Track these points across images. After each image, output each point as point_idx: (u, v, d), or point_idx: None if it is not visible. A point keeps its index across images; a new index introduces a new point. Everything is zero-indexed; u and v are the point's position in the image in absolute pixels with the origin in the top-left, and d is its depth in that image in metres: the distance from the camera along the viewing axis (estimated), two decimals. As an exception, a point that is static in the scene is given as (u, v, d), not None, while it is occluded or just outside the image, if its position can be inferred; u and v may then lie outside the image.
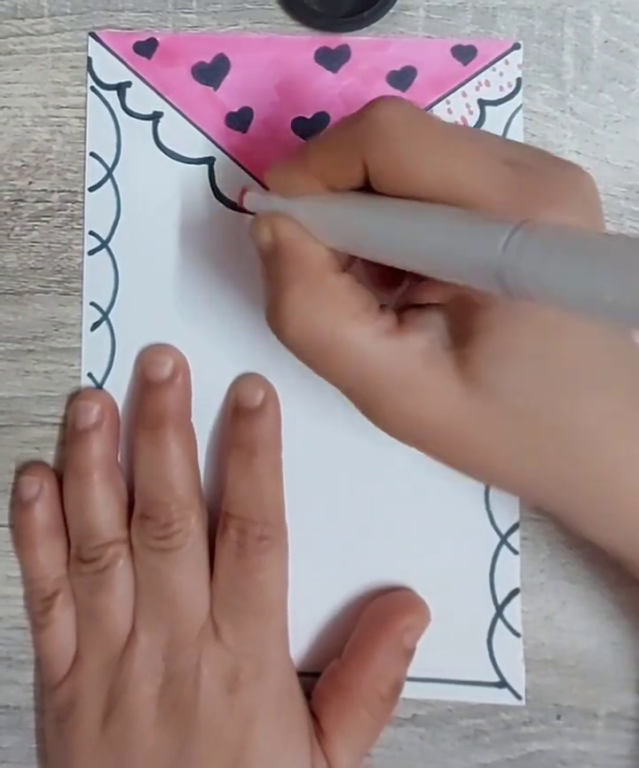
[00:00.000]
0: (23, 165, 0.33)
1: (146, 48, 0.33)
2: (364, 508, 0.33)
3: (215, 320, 0.33)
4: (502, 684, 0.32)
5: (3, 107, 0.33)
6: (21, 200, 0.33)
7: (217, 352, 0.33)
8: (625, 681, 0.32)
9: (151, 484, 0.32)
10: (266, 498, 0.32)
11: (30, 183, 0.33)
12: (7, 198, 0.33)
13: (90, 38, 0.33)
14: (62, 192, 0.33)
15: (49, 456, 0.34)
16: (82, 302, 0.33)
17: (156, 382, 0.32)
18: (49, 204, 0.33)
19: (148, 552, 0.31)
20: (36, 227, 0.33)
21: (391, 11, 0.32)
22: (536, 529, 0.32)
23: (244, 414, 0.32)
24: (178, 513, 0.31)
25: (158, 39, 0.33)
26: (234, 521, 0.31)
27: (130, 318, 0.33)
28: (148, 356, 0.33)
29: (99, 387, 0.33)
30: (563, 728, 0.32)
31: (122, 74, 0.33)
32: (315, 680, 0.32)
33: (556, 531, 0.32)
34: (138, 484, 0.32)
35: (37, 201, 0.33)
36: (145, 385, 0.32)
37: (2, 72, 0.33)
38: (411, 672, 0.32)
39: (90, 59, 0.33)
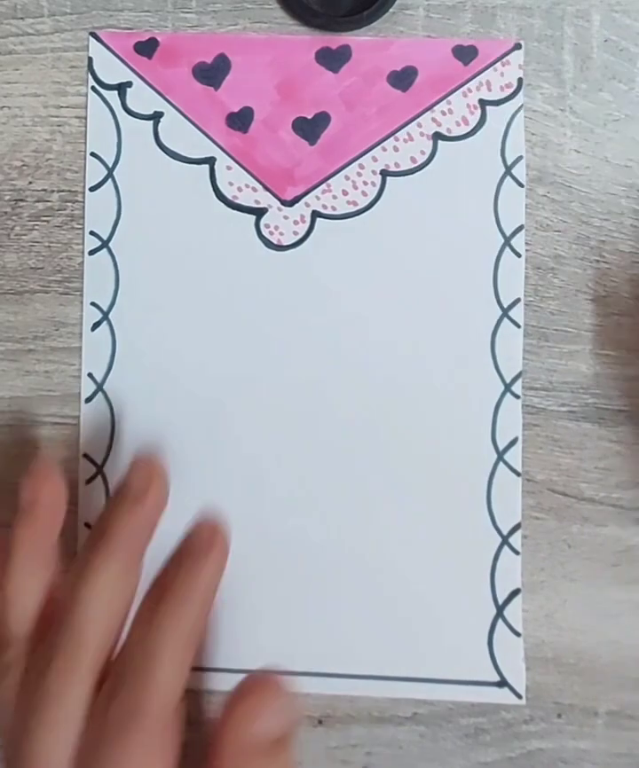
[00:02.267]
0: (23, 165, 0.33)
1: (147, 48, 0.33)
2: (364, 508, 0.33)
3: (215, 320, 0.33)
4: (503, 683, 0.32)
5: (3, 107, 0.33)
6: (21, 200, 0.33)
7: (218, 352, 0.33)
8: (625, 679, 0.32)
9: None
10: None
11: (30, 183, 0.33)
12: (7, 198, 0.33)
13: (90, 38, 0.33)
14: (62, 191, 0.33)
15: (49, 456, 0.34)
16: (82, 302, 0.33)
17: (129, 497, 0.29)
18: (49, 204, 0.33)
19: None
20: (37, 227, 0.33)
21: (391, 10, 0.32)
22: (537, 528, 0.33)
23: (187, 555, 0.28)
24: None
25: (159, 39, 0.33)
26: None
27: (130, 318, 0.33)
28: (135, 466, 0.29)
29: (100, 387, 0.33)
30: (563, 726, 0.33)
31: (123, 74, 0.33)
32: (316, 679, 0.32)
33: (557, 531, 0.32)
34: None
35: (37, 201, 0.33)
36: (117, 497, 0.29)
37: (2, 72, 0.33)
38: (411, 672, 0.32)
39: (90, 59, 0.33)
